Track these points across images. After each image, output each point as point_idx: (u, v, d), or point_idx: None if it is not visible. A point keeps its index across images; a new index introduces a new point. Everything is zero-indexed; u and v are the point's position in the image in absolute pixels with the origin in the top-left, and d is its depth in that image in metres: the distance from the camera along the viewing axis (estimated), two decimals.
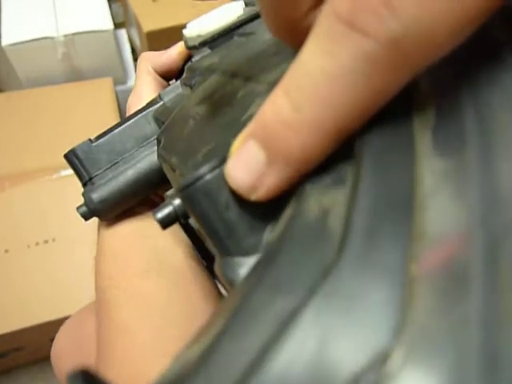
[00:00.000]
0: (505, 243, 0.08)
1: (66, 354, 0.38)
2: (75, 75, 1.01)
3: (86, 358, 0.35)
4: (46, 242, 0.74)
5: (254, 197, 0.11)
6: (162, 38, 0.99)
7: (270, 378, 0.08)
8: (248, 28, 0.26)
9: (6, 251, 0.73)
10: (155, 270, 0.25)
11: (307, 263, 0.09)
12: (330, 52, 0.09)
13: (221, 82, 0.21)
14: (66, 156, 0.26)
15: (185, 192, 0.13)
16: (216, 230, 0.13)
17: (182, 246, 0.27)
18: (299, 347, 0.08)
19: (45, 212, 0.76)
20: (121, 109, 0.92)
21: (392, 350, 0.07)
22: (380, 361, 0.07)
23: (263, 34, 0.24)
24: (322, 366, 0.08)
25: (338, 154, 0.11)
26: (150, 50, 0.32)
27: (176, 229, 0.28)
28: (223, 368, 0.08)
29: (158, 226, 0.28)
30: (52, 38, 0.94)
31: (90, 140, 0.26)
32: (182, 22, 0.97)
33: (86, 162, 0.26)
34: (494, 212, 0.08)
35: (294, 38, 0.11)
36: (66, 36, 0.95)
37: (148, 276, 0.25)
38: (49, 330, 0.68)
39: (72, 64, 1.00)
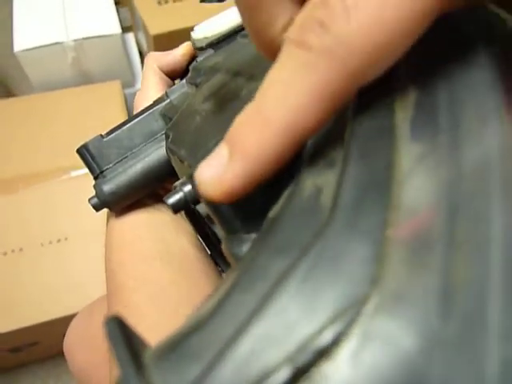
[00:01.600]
0: (463, 209, 0.09)
1: (78, 347, 0.40)
2: (85, 79, 1.04)
3: (97, 350, 0.37)
4: (59, 240, 0.77)
5: (216, 194, 0.12)
6: (168, 41, 1.01)
7: (266, 325, 0.09)
8: None
9: (21, 249, 0.75)
10: (162, 257, 0.27)
11: (301, 229, 0.11)
12: (283, 64, 0.11)
13: (225, 81, 0.23)
14: (78, 150, 0.28)
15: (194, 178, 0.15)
16: (224, 211, 0.15)
17: (186, 235, 0.29)
18: (292, 296, 0.09)
19: (57, 211, 0.78)
20: (129, 111, 0.95)
21: (368, 297, 0.09)
22: (358, 305, 0.09)
23: None
24: (309, 307, 0.09)
25: (330, 141, 0.12)
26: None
27: (181, 220, 0.30)
28: (229, 317, 0.10)
29: (163, 217, 0.30)
30: (62, 43, 0.97)
31: (101, 135, 0.28)
32: (188, 25, 0.99)
33: (97, 157, 0.28)
34: (457, 186, 0.10)
35: (271, 54, 0.13)
36: (75, 41, 0.97)
37: (155, 263, 0.26)
38: (62, 326, 0.69)
39: (81, 68, 1.02)
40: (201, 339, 0.09)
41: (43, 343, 0.79)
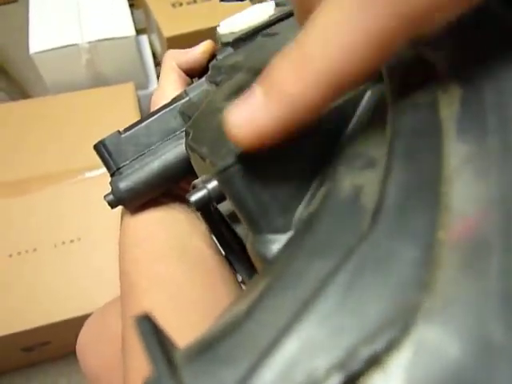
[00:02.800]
0: None
1: (91, 349, 0.39)
2: (99, 81, 1.04)
3: (109, 352, 0.36)
4: (72, 241, 0.77)
5: (248, 136, 0.11)
6: (182, 43, 1.00)
7: (310, 330, 0.08)
8: (274, 28, 0.27)
9: (35, 250, 0.76)
10: (176, 256, 0.26)
11: (342, 231, 0.10)
12: (331, 2, 0.10)
13: (246, 80, 0.22)
14: (95, 146, 0.28)
15: (223, 174, 0.15)
16: (251, 210, 0.14)
17: (201, 235, 0.28)
18: (338, 301, 0.09)
19: (70, 212, 0.78)
20: (142, 113, 0.95)
21: (420, 303, 0.08)
22: (409, 312, 0.08)
23: (287, 35, 0.25)
24: (358, 313, 0.08)
25: (368, 139, 0.12)
26: None
27: (195, 220, 0.30)
28: (266, 322, 0.09)
29: (178, 216, 0.29)
30: (76, 45, 0.97)
31: (118, 132, 0.28)
32: (201, 27, 0.99)
33: (114, 153, 0.27)
34: (511, 192, 0.09)
35: None
36: (89, 43, 0.98)
37: (170, 261, 0.26)
38: (74, 326, 0.69)
39: (95, 70, 1.03)
40: (235, 343, 0.09)
41: (55, 343, 0.79)
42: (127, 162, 0.27)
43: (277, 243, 0.14)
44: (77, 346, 0.42)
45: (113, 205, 0.27)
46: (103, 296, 0.70)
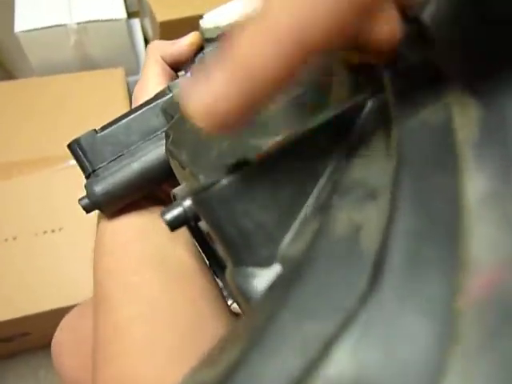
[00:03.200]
0: None
1: (67, 349, 0.38)
2: (87, 64, 1.01)
3: (86, 353, 0.34)
4: (54, 231, 0.75)
5: (206, 124, 0.10)
6: (175, 29, 0.98)
7: None
8: None
9: (14, 238, 0.73)
10: (155, 268, 0.24)
11: (339, 286, 0.08)
12: None
13: None
14: (69, 146, 0.26)
15: (199, 197, 0.13)
16: (231, 238, 0.13)
17: (183, 243, 0.26)
18: (337, 377, 0.07)
19: (53, 201, 0.76)
20: (132, 99, 0.92)
21: None
22: None
23: None
24: None
25: (369, 163, 0.10)
26: (163, 40, 0.31)
27: None
28: None
29: (159, 222, 0.27)
30: (65, 26, 0.94)
31: (95, 130, 0.26)
32: (196, 12, 0.96)
33: (90, 153, 0.25)
34: None
35: None
36: (78, 24, 0.94)
37: (148, 274, 0.24)
38: (54, 318, 0.68)
39: (84, 52, 0.99)
40: None
41: (35, 334, 0.77)
42: (104, 163, 0.25)
43: (259, 278, 0.13)
44: (52, 346, 0.40)
45: (88, 209, 0.25)
46: (83, 289, 0.68)
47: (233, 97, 0.09)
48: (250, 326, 0.09)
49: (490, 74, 0.09)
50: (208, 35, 0.25)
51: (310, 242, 0.10)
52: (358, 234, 0.09)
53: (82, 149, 0.25)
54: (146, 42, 1.15)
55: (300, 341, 0.08)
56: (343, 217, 0.10)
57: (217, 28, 0.24)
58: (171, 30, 0.98)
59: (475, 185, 0.08)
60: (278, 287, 0.10)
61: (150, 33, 1.15)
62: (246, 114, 0.10)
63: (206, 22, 0.25)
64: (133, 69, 1.05)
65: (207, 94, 0.10)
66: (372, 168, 0.11)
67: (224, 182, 0.12)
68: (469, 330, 0.07)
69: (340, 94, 0.14)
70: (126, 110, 0.27)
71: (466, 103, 0.09)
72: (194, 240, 0.24)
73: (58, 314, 0.66)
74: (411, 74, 0.11)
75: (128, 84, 0.96)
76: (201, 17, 0.27)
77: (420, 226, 0.08)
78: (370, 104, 0.13)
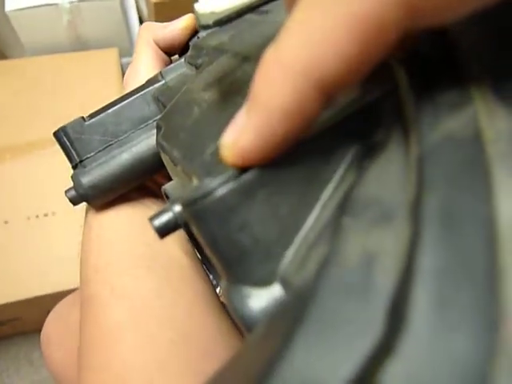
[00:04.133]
0: None
1: (56, 341, 0.37)
2: (80, 44, 0.98)
3: (75, 347, 0.34)
4: (46, 215, 0.73)
5: (232, 156, 0.11)
6: (170, 10, 0.95)
7: None
8: (265, 6, 0.24)
9: (6, 222, 0.72)
10: (146, 267, 0.23)
11: (345, 332, 0.07)
12: (324, 9, 0.09)
13: (231, 66, 0.19)
14: (55, 134, 0.24)
15: (191, 209, 0.11)
16: (225, 254, 0.11)
17: (175, 238, 0.25)
18: None
19: (46, 185, 0.75)
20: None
21: None
22: None
23: (279, 13, 0.21)
24: None
25: (383, 180, 0.09)
26: (157, 21, 0.30)
27: None
28: None
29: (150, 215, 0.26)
30: (57, 5, 0.91)
31: (82, 118, 0.24)
32: None
33: (77, 143, 0.24)
34: None
35: None
36: (71, 3, 0.91)
37: (138, 273, 0.23)
38: (46, 303, 0.67)
39: (77, 32, 0.97)
40: None
41: (26, 318, 0.77)
42: (92, 153, 0.24)
43: (256, 299, 0.11)
44: (41, 337, 0.39)
45: (75, 202, 0.24)
46: (75, 274, 0.67)
47: (255, 138, 0.10)
48: (251, 365, 0.08)
49: None
50: (203, 21, 0.23)
51: (317, 272, 0.09)
52: (371, 266, 0.08)
53: (68, 137, 0.24)
54: (141, 22, 1.12)
55: None
56: (354, 243, 0.08)
57: (213, 13, 0.23)
58: (166, 10, 0.96)
59: (509, 208, 0.07)
60: (280, 325, 0.09)
61: (144, 13, 1.12)
62: (270, 148, 0.10)
63: (202, 7, 0.23)
64: (127, 49, 1.03)
65: (236, 134, 0.11)
66: (387, 182, 0.09)
67: (219, 192, 0.11)
68: None
69: (349, 91, 0.13)
70: (119, 90, 0.26)
71: (493, 112, 0.08)
72: (186, 237, 0.23)
73: (49, 300, 0.66)
74: (430, 72, 0.10)
75: (122, 65, 0.94)
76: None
77: (452, 263, 0.07)
78: (382, 105, 0.11)
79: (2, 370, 0.82)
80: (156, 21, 0.30)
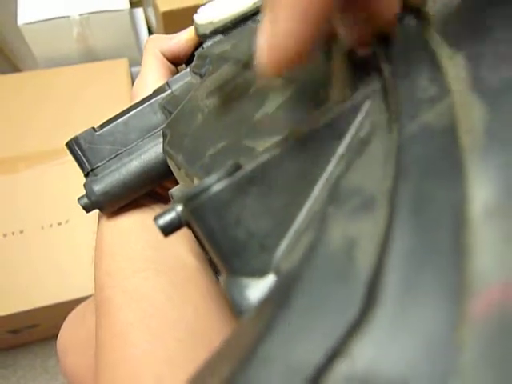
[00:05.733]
0: None
1: (72, 348, 0.37)
2: (90, 55, 1.00)
3: (90, 353, 0.35)
4: (60, 223, 0.75)
5: (275, 61, 0.11)
6: (178, 19, 0.96)
7: None
8: (260, 15, 0.24)
9: (21, 232, 0.74)
10: (155, 269, 0.24)
11: (330, 310, 0.08)
12: None
13: (232, 73, 0.20)
14: (67, 144, 0.25)
15: (189, 204, 0.12)
16: (222, 247, 0.12)
17: (184, 241, 0.26)
18: None
19: (59, 194, 0.76)
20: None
21: None
22: None
23: None
24: None
25: (365, 170, 0.09)
26: (166, 31, 0.31)
27: None
28: None
29: None
30: (67, 18, 0.93)
31: (93, 128, 0.25)
32: (199, 2, 0.95)
33: (89, 152, 0.25)
34: None
35: None
36: (81, 15, 0.93)
37: (147, 276, 0.24)
38: (62, 310, 0.69)
39: (87, 44, 0.99)
40: None
41: (43, 325, 0.78)
42: (103, 162, 0.25)
43: (252, 289, 0.12)
44: (57, 344, 0.40)
45: (87, 209, 0.25)
46: (91, 281, 0.68)
47: (296, 31, 0.11)
48: (238, 347, 0.09)
49: (494, 69, 0.09)
50: (202, 31, 0.24)
51: (303, 257, 0.10)
52: (352, 249, 0.09)
53: (80, 147, 0.25)
54: (150, 31, 1.14)
55: (285, 371, 0.07)
56: (338, 229, 0.09)
57: (210, 23, 0.24)
58: (174, 19, 0.97)
59: (480, 197, 0.08)
60: (268, 306, 0.09)
61: (153, 22, 1.14)
62: (307, 48, 0.11)
63: (200, 17, 0.24)
64: (136, 59, 1.04)
65: (276, 36, 0.11)
66: (369, 173, 0.10)
67: (215, 188, 0.12)
68: (470, 362, 0.06)
69: (339, 92, 0.13)
70: (130, 100, 0.27)
71: (469, 103, 0.09)
72: (195, 238, 0.24)
73: (66, 307, 0.67)
74: (411, 63, 0.10)
75: (132, 74, 0.95)
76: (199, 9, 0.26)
77: (419, 245, 0.07)
78: (367, 104, 0.12)
79: (18, 377, 0.83)
80: (165, 29, 0.31)
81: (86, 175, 0.25)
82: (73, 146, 0.25)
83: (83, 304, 0.41)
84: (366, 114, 0.12)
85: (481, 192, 0.08)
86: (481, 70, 0.09)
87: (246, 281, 0.12)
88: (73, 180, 0.76)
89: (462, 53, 0.10)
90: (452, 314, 0.07)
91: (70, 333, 0.39)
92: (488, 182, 0.08)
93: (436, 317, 0.07)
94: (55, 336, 0.84)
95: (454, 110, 0.09)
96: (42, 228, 0.74)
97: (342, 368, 0.07)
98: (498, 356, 0.06)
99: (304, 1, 0.10)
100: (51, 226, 0.74)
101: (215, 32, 0.24)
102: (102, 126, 0.25)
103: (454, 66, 0.09)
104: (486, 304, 0.07)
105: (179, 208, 0.14)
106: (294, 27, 0.11)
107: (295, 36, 0.11)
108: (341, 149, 0.12)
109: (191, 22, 0.29)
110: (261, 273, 0.12)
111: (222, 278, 0.14)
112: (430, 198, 0.08)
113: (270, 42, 0.11)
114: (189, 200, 0.12)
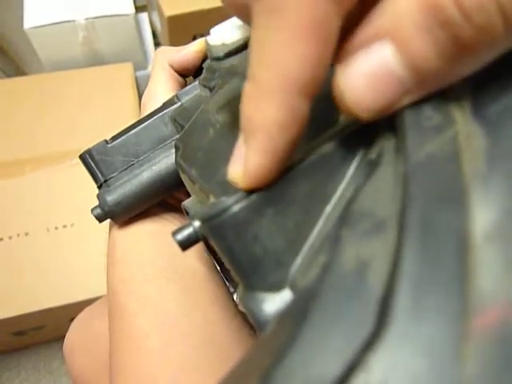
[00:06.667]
0: None
1: (78, 351, 0.38)
2: (95, 59, 1.01)
3: (96, 355, 0.35)
4: (65, 226, 0.75)
5: (247, 185, 0.12)
6: (183, 24, 0.97)
7: None
8: None
9: (26, 234, 0.74)
10: (165, 277, 0.25)
11: (346, 327, 0.09)
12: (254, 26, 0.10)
13: (241, 88, 0.20)
14: (81, 157, 0.26)
15: (209, 224, 0.13)
16: (241, 264, 0.13)
17: (195, 250, 0.27)
18: None
19: (64, 197, 0.77)
20: (140, 94, 0.92)
21: None
22: None
23: None
24: None
25: (376, 194, 0.10)
26: (171, 35, 0.31)
27: None
28: None
29: (170, 229, 0.28)
30: (73, 22, 0.94)
31: (105, 141, 0.26)
32: (204, 7, 0.95)
33: (101, 164, 0.26)
34: None
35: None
36: (87, 19, 0.94)
37: (159, 284, 0.24)
38: (68, 312, 0.69)
39: (92, 48, 0.99)
40: None
41: (48, 327, 0.79)
42: (115, 173, 0.26)
43: (269, 303, 0.13)
44: (64, 346, 0.41)
45: (100, 219, 0.26)
46: (97, 284, 0.69)
47: (260, 160, 0.11)
48: (260, 361, 0.09)
49: (495, 97, 0.09)
50: (215, 53, 0.24)
51: (319, 275, 0.10)
52: (365, 270, 0.09)
53: (93, 159, 0.26)
54: (155, 36, 1.15)
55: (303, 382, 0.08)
56: (351, 251, 0.10)
57: (224, 45, 0.24)
58: (179, 24, 0.98)
59: (482, 221, 0.08)
60: (287, 322, 0.10)
61: (158, 26, 1.14)
62: (276, 165, 0.11)
63: (213, 39, 0.24)
64: (141, 63, 1.05)
65: (242, 166, 0.12)
66: (379, 197, 0.11)
67: (234, 208, 0.12)
68: (474, 375, 0.07)
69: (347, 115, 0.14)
70: (135, 103, 0.27)
71: (471, 132, 0.09)
72: (205, 249, 0.25)
73: (70, 309, 0.68)
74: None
75: (136, 79, 0.96)
76: (208, 11, 0.27)
77: (424, 270, 0.08)
78: (376, 127, 0.13)
79: (22, 379, 0.83)
80: (169, 34, 0.31)
81: (99, 186, 0.26)
82: (86, 158, 0.26)
83: (91, 306, 0.41)
84: (375, 136, 0.13)
85: (482, 216, 0.08)
86: (482, 97, 0.10)
87: (263, 295, 0.13)
88: (78, 183, 0.77)
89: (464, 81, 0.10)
90: (457, 332, 0.07)
91: (78, 334, 0.39)
92: (489, 207, 0.08)
93: (442, 334, 0.07)
94: (59, 338, 0.85)
95: (457, 139, 0.09)
96: (48, 230, 0.75)
97: (358, 381, 0.07)
98: (499, 368, 0.07)
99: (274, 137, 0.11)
100: (56, 228, 0.75)
101: (229, 55, 0.24)
102: (113, 138, 0.26)
103: (457, 95, 0.10)
104: (489, 321, 0.07)
105: (196, 224, 0.14)
106: (264, 163, 0.11)
107: (266, 168, 0.11)
108: (351, 170, 0.13)
109: (195, 26, 0.29)
110: (277, 287, 0.13)
111: (238, 291, 0.14)
112: (436, 222, 0.09)
113: (244, 169, 0.12)
114: (208, 219, 0.13)
